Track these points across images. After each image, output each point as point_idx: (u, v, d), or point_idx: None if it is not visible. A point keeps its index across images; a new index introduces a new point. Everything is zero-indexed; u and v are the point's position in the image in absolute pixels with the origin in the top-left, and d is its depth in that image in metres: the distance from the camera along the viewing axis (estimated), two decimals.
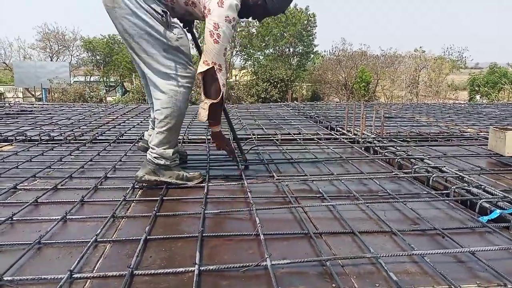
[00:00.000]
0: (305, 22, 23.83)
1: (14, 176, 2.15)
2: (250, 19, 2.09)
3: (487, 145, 2.96)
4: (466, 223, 1.65)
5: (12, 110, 5.36)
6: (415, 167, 2.38)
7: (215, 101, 1.97)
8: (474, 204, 1.81)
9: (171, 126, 1.95)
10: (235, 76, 24.68)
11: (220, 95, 1.96)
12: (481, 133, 3.80)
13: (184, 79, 1.92)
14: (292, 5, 24.15)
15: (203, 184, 2.05)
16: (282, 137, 3.46)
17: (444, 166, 2.35)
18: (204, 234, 1.46)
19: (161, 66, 1.88)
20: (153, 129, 2.25)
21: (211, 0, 1.85)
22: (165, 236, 1.46)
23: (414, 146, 3.15)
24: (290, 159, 2.67)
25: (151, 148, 2.00)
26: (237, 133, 3.24)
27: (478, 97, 20.64)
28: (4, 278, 1.14)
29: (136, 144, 2.95)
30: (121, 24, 1.85)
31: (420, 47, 23.69)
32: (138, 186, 2.03)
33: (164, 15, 1.84)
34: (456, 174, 2.20)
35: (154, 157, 1.97)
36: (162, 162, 1.98)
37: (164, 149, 1.98)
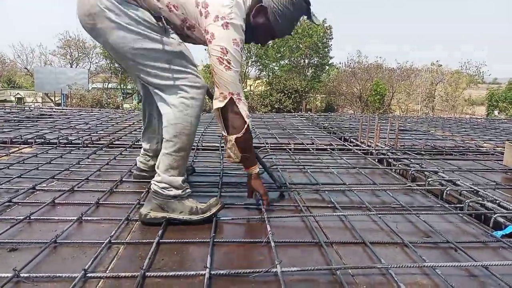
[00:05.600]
0: (321, 34, 23.93)
1: (34, 177, 2.21)
2: (253, 43, 1.87)
3: (503, 160, 2.92)
4: (479, 237, 1.63)
5: (32, 114, 5.50)
6: (429, 179, 2.36)
7: (239, 135, 1.69)
8: (489, 218, 1.79)
9: (181, 146, 1.63)
10: (250, 86, 24.83)
11: (245, 127, 1.68)
12: (497, 148, 3.74)
13: (194, 89, 1.63)
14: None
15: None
16: (295, 147, 3.47)
17: (459, 180, 2.33)
18: (215, 240, 1.47)
19: (166, 80, 1.61)
20: (146, 156, 2.16)
21: (213, 22, 1.58)
22: (177, 240, 1.48)
23: (428, 159, 3.13)
24: (302, 168, 2.67)
25: (157, 175, 1.66)
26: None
27: (496, 112, 20.31)
28: (21, 274, 1.17)
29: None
30: (109, 43, 1.58)
31: (437, 61, 23.56)
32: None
33: (159, 22, 1.59)
34: (470, 188, 2.17)
35: (162, 188, 1.63)
36: (172, 192, 1.63)
37: (173, 176, 1.64)
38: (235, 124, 1.68)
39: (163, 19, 1.59)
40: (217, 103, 1.66)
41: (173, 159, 1.64)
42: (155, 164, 1.83)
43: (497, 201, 1.94)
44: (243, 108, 1.67)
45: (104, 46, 1.65)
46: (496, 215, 1.76)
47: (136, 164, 2.25)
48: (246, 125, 1.68)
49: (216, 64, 1.60)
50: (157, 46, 1.57)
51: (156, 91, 1.65)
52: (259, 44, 1.91)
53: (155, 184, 1.65)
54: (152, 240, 1.43)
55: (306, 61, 24.59)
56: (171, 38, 1.61)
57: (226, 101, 1.64)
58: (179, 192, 1.65)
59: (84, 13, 1.56)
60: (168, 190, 1.63)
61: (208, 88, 1.76)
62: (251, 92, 21.86)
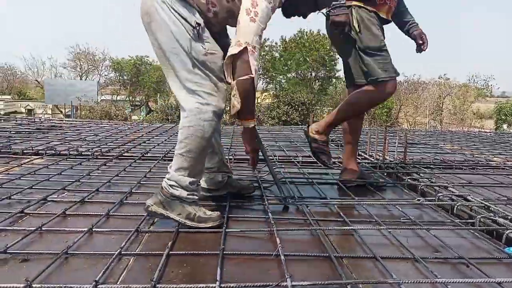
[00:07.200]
0: (328, 47, 24.07)
1: (45, 188, 2.24)
2: (295, 17, 1.94)
3: None
4: (491, 253, 1.61)
5: (43, 126, 5.57)
6: (439, 194, 2.34)
7: (243, 77, 1.66)
8: (501, 234, 1.77)
9: (191, 148, 1.69)
10: (257, 99, 24.98)
11: (250, 75, 1.66)
12: (508, 163, 3.71)
13: (211, 96, 1.69)
14: (315, 30, 24.60)
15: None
16: (303, 160, 3.47)
17: (469, 195, 2.31)
18: (225, 252, 1.47)
19: (186, 82, 1.68)
20: (210, 174, 2.06)
21: None
22: (187, 252, 1.48)
23: (437, 173, 3.10)
24: (311, 181, 2.67)
25: (168, 172, 1.75)
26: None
27: (505, 126, 20.14)
28: (33, 285, 1.18)
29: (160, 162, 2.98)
30: (156, 40, 1.69)
31: (445, 74, 23.56)
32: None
33: (196, 27, 1.65)
34: (481, 203, 2.15)
35: (169, 185, 1.70)
36: (177, 192, 1.69)
37: (182, 175, 1.70)
38: (241, 71, 1.67)
39: (201, 25, 1.67)
40: (231, 50, 1.67)
41: (184, 159, 1.70)
42: (222, 180, 2.08)
43: (509, 217, 1.92)
44: (253, 61, 1.66)
45: (153, 44, 1.74)
46: (508, 231, 1.74)
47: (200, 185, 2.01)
48: (251, 76, 1.67)
49: (243, 14, 1.66)
50: (187, 49, 1.66)
51: (177, 94, 1.74)
52: (301, 17, 1.96)
53: (164, 181, 1.74)
54: (162, 252, 1.44)
55: (313, 74, 24.70)
56: (202, 46, 1.68)
57: (240, 48, 1.63)
58: (184, 193, 1.70)
59: (143, 12, 1.71)
60: (173, 188, 1.70)
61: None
62: (259, 105, 21.94)
